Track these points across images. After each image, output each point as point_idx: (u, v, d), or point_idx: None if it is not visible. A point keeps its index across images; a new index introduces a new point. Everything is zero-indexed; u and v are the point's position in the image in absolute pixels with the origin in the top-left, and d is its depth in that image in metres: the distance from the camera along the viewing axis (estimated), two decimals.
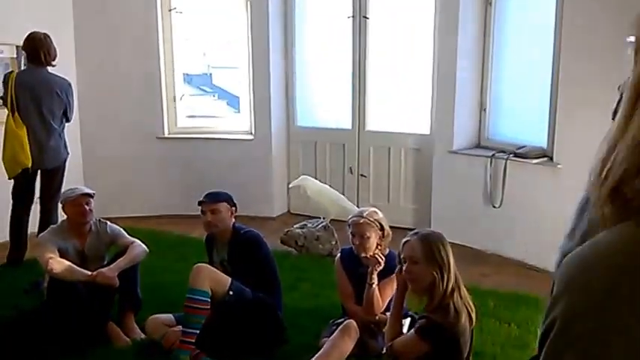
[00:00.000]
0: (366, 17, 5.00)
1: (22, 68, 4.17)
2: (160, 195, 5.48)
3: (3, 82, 3.94)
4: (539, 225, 4.03)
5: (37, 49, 3.86)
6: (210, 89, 14.99)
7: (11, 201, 3.99)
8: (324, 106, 5.48)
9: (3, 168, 3.94)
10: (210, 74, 15.68)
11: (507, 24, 4.38)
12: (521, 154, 4.12)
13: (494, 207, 4.31)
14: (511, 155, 4.17)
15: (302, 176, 4.62)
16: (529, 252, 4.13)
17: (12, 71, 4.02)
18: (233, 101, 10.69)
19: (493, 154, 4.30)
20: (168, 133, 5.51)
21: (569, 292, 0.59)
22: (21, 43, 4.01)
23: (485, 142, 4.62)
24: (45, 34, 3.93)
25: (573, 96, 3.74)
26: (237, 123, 5.73)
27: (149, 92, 5.35)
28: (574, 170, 3.75)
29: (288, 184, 5.22)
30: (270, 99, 5.33)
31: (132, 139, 5.37)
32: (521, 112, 4.37)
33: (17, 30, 4.11)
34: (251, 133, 5.53)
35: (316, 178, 4.65)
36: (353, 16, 5.04)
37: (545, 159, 4.01)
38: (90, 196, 3.20)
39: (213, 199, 3.20)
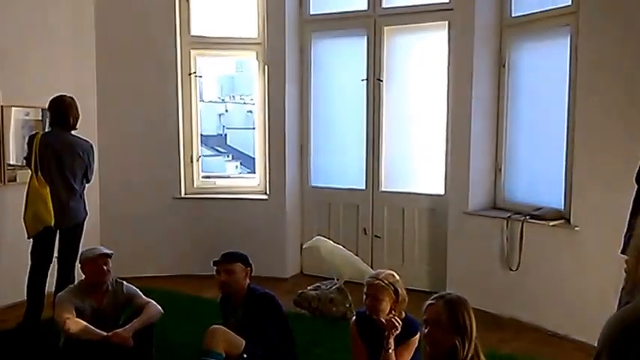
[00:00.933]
0: (380, 80, 5.12)
1: (47, 130, 4.29)
2: (176, 255, 5.49)
3: (28, 143, 4.06)
4: (559, 289, 3.96)
5: (67, 113, 4.00)
6: (224, 150, 15.28)
7: (29, 261, 4.02)
8: (338, 166, 5.54)
9: (21, 228, 3.97)
10: (225, 135, 16.05)
11: (521, 85, 4.46)
12: (537, 215, 4.10)
13: (511, 270, 4.25)
14: (527, 217, 4.14)
15: (316, 237, 4.61)
16: (548, 317, 4.03)
17: (37, 133, 4.14)
18: (247, 161, 10.86)
19: (509, 216, 4.28)
20: (185, 194, 5.57)
21: (610, 350, 0.62)
22: (46, 105, 4.15)
23: (501, 203, 4.61)
24: (72, 97, 4.08)
25: (590, 157, 3.75)
26: (251, 183, 5.79)
27: (167, 153, 5.46)
28: (592, 233, 3.73)
29: (302, 244, 5.21)
30: (285, 159, 5.41)
31: (149, 199, 5.44)
32: (537, 173, 4.37)
33: (43, 93, 4.26)
34: (265, 193, 5.58)
35: (330, 239, 4.63)
36: (367, 79, 5.17)
37: (563, 221, 3.98)
38: (108, 256, 3.23)
39: (228, 259, 3.20)
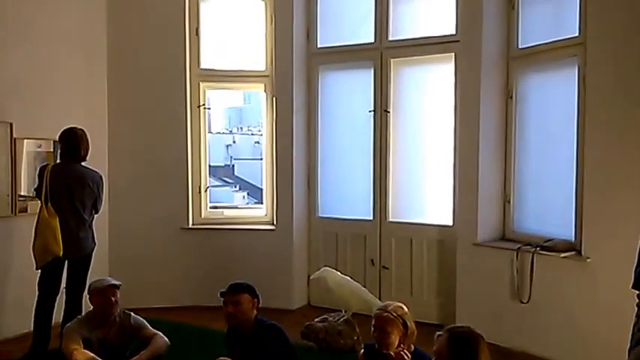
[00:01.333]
0: (387, 111, 5.16)
1: (57, 161, 4.34)
2: (182, 286, 5.46)
3: (38, 174, 4.10)
4: (570, 322, 3.89)
5: (77, 144, 4.06)
6: (232, 180, 15.36)
7: (37, 291, 4.01)
8: (345, 197, 5.53)
9: (30, 258, 3.98)
10: (233, 165, 16.15)
11: (529, 116, 4.47)
12: (548, 247, 4.05)
13: (522, 302, 4.19)
14: (538, 248, 4.10)
15: (323, 268, 4.59)
16: (561, 351, 3.94)
17: (47, 164, 4.19)
18: (254, 192, 10.89)
19: (519, 247, 4.23)
20: (192, 224, 5.58)
21: None
22: (56, 137, 4.20)
23: (511, 234, 4.57)
24: (82, 130, 4.14)
25: (600, 187, 3.73)
26: (259, 213, 5.79)
27: (176, 184, 5.48)
28: (604, 264, 3.68)
29: (309, 275, 5.17)
30: (292, 190, 5.42)
31: (157, 230, 5.44)
32: (547, 204, 4.34)
33: (55, 125, 4.33)
34: (273, 224, 5.57)
35: (337, 270, 4.60)
36: (374, 110, 5.21)
37: (574, 252, 3.93)
38: (116, 287, 3.23)
39: (236, 290, 3.18)
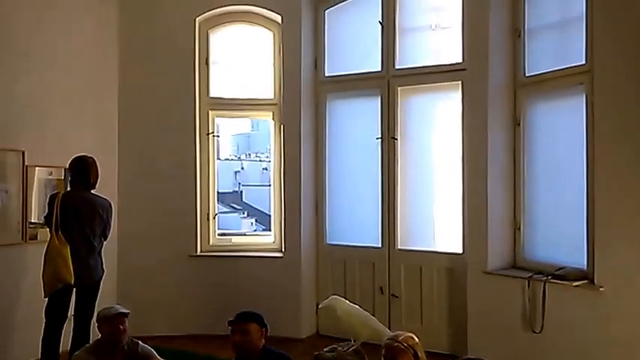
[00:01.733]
0: (394, 138, 5.17)
1: (67, 189, 4.37)
2: (190, 313, 5.43)
3: (48, 202, 4.12)
4: (584, 352, 3.80)
5: (87, 172, 4.11)
6: (240, 206, 15.39)
7: (44, 319, 3.99)
8: (353, 224, 5.51)
9: (38, 286, 3.98)
10: (241, 192, 16.19)
11: (537, 143, 4.45)
12: (560, 275, 4.00)
13: (534, 332, 4.11)
14: (549, 277, 4.04)
15: (332, 296, 4.54)
16: None
17: (58, 192, 4.22)
18: (262, 218, 10.89)
19: (530, 276, 4.17)
20: (201, 251, 5.57)
21: None
22: (67, 165, 4.25)
23: (522, 262, 4.52)
24: (92, 157, 4.19)
25: (612, 214, 3.68)
26: (267, 240, 5.78)
27: (184, 211, 5.49)
28: (618, 293, 3.62)
29: (317, 303, 5.12)
30: (300, 216, 5.41)
31: (166, 257, 5.45)
32: (558, 231, 4.29)
33: (66, 153, 4.38)
34: (281, 251, 5.55)
35: (346, 298, 4.55)
36: (382, 138, 5.23)
37: (586, 281, 3.87)
38: (125, 315, 3.23)
39: (243, 319, 3.15)
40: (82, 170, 4.11)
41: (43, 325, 3.99)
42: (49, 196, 4.22)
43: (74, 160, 4.15)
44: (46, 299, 3.97)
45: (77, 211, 4.02)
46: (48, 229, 4.05)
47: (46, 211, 4.14)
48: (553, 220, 4.33)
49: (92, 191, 4.17)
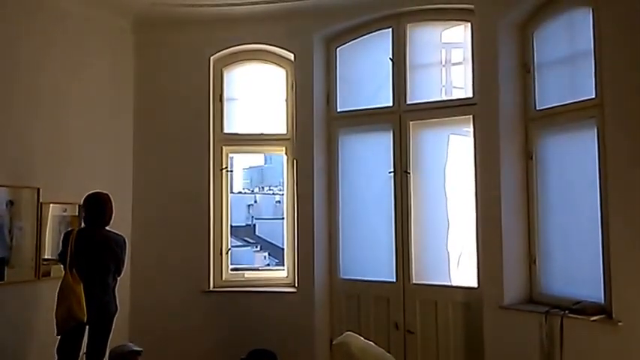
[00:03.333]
0: (407, 172, 5.18)
1: (82, 226, 4.42)
2: (203, 350, 5.38)
3: (63, 240, 4.17)
4: None
5: (103, 209, 4.18)
6: (253, 240, 15.37)
7: (56, 357, 3.98)
8: (367, 258, 5.47)
9: (51, 323, 3.98)
10: (254, 225, 16.20)
11: (551, 176, 4.42)
12: (577, 309, 3.93)
13: None
14: (567, 312, 3.97)
15: (346, 332, 4.49)
16: None
17: (72, 230, 4.27)
18: (275, 252, 10.86)
19: (547, 311, 4.10)
20: (213, 287, 5.56)
21: None
22: (81, 202, 4.31)
23: (538, 296, 4.45)
24: (107, 194, 4.25)
25: (627, 247, 3.62)
26: (280, 274, 5.76)
27: (197, 246, 5.51)
28: (637, 328, 3.54)
29: (331, 340, 5.06)
30: (314, 250, 5.39)
31: (178, 293, 5.45)
32: (574, 264, 4.23)
33: (80, 190, 4.44)
34: (294, 286, 5.52)
35: (360, 334, 4.49)
36: (394, 172, 5.24)
37: (604, 316, 3.80)
38: (138, 353, 3.24)
39: (256, 357, 3.12)
40: (97, 207, 4.17)
41: None
42: (63, 234, 4.27)
43: (88, 197, 4.21)
44: (59, 337, 3.97)
45: (92, 248, 4.06)
46: (62, 267, 4.08)
47: (60, 248, 4.18)
48: (568, 254, 4.28)
49: (107, 227, 4.21)
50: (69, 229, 4.41)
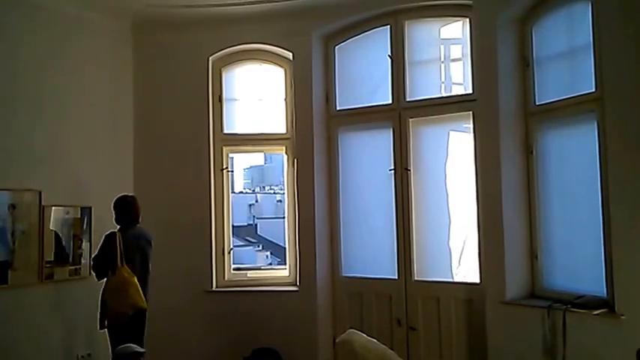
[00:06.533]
0: (407, 169, 5.19)
1: (118, 227, 4.61)
2: (206, 349, 5.40)
3: (105, 241, 4.41)
4: None
5: (137, 209, 4.64)
6: (255, 239, 15.39)
7: (110, 348, 4.10)
8: (369, 255, 5.49)
9: (55, 327, 4.02)
10: (256, 225, 16.22)
11: (551, 170, 4.42)
12: (579, 304, 3.93)
13: None
14: (569, 306, 3.98)
15: (349, 330, 4.50)
16: None
17: (113, 232, 4.50)
18: (277, 251, 10.88)
19: (550, 305, 4.11)
20: (216, 286, 5.57)
21: None
22: (84, 204, 4.58)
23: (540, 291, 4.46)
24: (134, 196, 4.71)
25: (629, 240, 3.62)
26: (282, 274, 5.77)
27: (200, 247, 5.53)
28: (639, 321, 3.54)
29: (334, 338, 5.07)
30: (315, 248, 5.40)
31: (180, 293, 5.46)
32: (576, 259, 4.23)
33: (82, 192, 4.52)
34: (296, 285, 5.53)
35: (363, 332, 4.50)
36: (394, 169, 5.24)
37: (606, 309, 3.80)
38: (141, 355, 3.24)
39: (259, 356, 3.13)
40: (133, 208, 4.60)
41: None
42: (104, 236, 4.47)
43: (122, 200, 4.62)
44: (105, 331, 4.27)
45: (139, 244, 4.50)
46: (110, 268, 4.33)
47: (97, 250, 4.47)
48: (570, 248, 4.28)
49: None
50: (110, 231, 4.54)
